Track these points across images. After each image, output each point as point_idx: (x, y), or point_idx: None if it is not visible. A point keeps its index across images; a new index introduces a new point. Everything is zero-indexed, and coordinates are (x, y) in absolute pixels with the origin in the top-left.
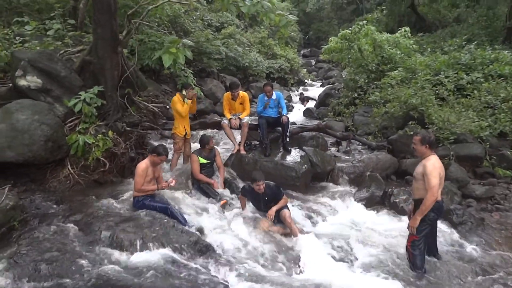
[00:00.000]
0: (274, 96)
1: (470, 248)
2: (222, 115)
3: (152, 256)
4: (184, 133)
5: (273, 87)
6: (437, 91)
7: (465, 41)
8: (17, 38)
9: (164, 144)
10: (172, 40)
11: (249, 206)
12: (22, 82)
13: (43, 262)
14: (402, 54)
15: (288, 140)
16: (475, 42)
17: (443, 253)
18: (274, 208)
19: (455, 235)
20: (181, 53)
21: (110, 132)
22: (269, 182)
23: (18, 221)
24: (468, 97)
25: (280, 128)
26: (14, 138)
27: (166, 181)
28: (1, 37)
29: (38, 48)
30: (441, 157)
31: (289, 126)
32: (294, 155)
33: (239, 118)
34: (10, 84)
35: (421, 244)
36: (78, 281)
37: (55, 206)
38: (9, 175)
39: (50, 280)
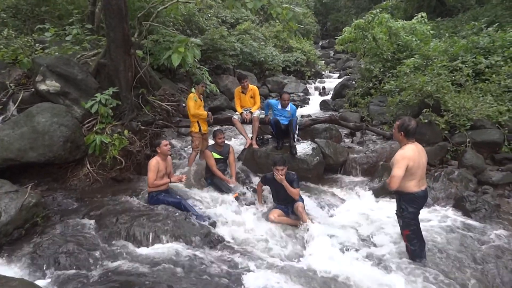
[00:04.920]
0: (288, 108)
1: (481, 234)
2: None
3: (164, 248)
4: (199, 130)
5: (289, 98)
6: (454, 77)
7: (485, 24)
8: (38, 44)
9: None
10: (180, 39)
11: (264, 198)
12: (42, 87)
13: (62, 254)
14: (419, 41)
15: (295, 143)
16: (497, 24)
17: (452, 239)
18: (287, 184)
19: (467, 222)
20: (189, 52)
21: (125, 131)
22: (290, 172)
23: (41, 217)
24: (487, 81)
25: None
26: (35, 139)
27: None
28: (23, 44)
29: (57, 53)
30: (458, 144)
31: (297, 128)
32: (306, 147)
33: (250, 112)
34: (33, 89)
35: (416, 237)
36: (95, 272)
37: (75, 203)
38: (33, 174)
39: (69, 270)
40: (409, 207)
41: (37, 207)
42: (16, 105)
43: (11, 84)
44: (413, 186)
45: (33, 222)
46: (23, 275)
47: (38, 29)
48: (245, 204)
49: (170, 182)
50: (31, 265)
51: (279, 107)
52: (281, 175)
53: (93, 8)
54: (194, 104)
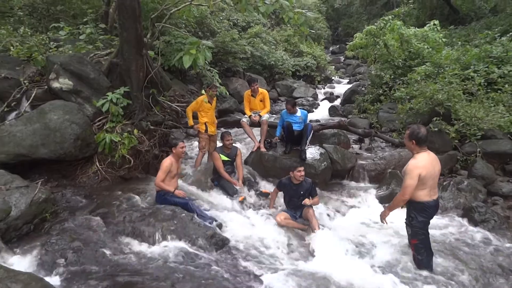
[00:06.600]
0: (298, 113)
1: (490, 246)
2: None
3: (169, 247)
4: (205, 130)
5: (295, 104)
6: (465, 86)
7: (499, 33)
8: (52, 43)
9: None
10: (192, 41)
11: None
12: (55, 84)
13: (70, 250)
14: (430, 49)
15: (306, 148)
16: (510, 33)
17: (461, 250)
18: (310, 201)
19: (476, 233)
20: (201, 55)
21: (135, 131)
22: (307, 178)
23: (50, 213)
24: (499, 91)
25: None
26: (47, 136)
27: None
28: (38, 42)
29: (71, 52)
30: (468, 154)
31: (311, 133)
32: (314, 152)
33: (259, 115)
34: (46, 87)
35: (424, 247)
36: (101, 268)
37: (83, 200)
38: (43, 170)
39: (76, 266)
40: (418, 216)
41: (46, 202)
42: (29, 101)
43: (25, 81)
44: (424, 195)
45: (42, 217)
46: (32, 270)
47: (53, 27)
48: (251, 207)
49: (173, 192)
50: (39, 260)
51: (288, 114)
52: (303, 176)
53: (107, 8)
54: (194, 104)
